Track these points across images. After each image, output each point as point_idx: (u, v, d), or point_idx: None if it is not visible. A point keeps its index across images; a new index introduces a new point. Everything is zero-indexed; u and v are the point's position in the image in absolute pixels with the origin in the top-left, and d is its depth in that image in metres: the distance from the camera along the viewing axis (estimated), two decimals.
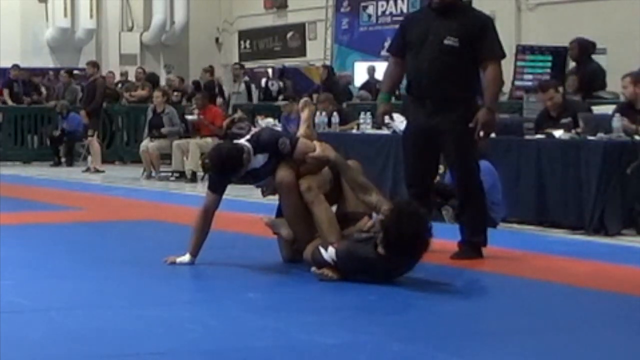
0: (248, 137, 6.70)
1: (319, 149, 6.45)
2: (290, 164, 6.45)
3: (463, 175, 7.03)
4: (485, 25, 6.99)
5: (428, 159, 7.06)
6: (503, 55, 7.00)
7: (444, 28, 6.89)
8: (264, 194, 6.86)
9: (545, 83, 10.38)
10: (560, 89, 10.33)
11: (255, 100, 19.33)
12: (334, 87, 18.33)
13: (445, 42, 6.86)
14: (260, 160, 6.51)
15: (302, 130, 7.00)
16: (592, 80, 11.94)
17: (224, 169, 6.51)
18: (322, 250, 6.01)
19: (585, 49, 12.11)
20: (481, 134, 6.85)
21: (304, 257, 6.38)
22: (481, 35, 6.89)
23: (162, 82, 21.59)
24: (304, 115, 7.16)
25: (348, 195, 6.45)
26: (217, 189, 6.58)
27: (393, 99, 7.66)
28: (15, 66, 20.58)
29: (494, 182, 8.65)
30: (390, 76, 7.31)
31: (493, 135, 7.52)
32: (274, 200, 6.87)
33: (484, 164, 7.56)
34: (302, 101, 7.53)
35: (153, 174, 15.51)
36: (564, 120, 9.36)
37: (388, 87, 7.35)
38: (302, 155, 6.45)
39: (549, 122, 9.65)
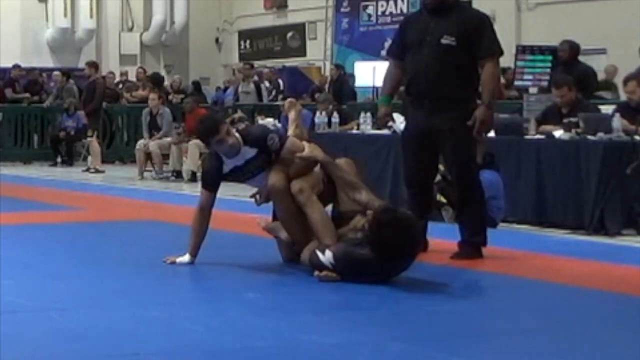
0: (239, 128, 6.75)
1: (307, 149, 6.45)
2: (281, 167, 6.45)
3: (462, 175, 7.02)
4: (481, 23, 6.99)
5: (427, 159, 7.06)
6: (501, 52, 6.99)
7: (441, 27, 6.89)
8: (258, 202, 6.84)
9: (559, 80, 10.24)
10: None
11: (265, 100, 19.11)
12: (344, 86, 18.29)
13: (443, 41, 6.86)
14: (248, 152, 6.51)
15: (291, 130, 7.01)
16: (585, 81, 11.89)
17: (204, 130, 6.56)
18: (320, 254, 6.01)
19: (575, 50, 12.12)
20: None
21: (301, 260, 6.38)
22: (478, 33, 6.89)
23: (167, 82, 21.49)
24: (291, 116, 7.17)
25: (342, 195, 6.44)
26: (210, 185, 6.58)
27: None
28: (17, 66, 20.58)
29: (494, 194, 8.54)
30: (390, 78, 7.31)
31: (492, 133, 7.50)
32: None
33: (483, 175, 7.51)
34: (286, 102, 7.51)
35: (153, 174, 15.49)
36: (571, 119, 9.29)
37: (388, 89, 7.34)
38: (290, 154, 6.45)
39: (557, 117, 9.58)
